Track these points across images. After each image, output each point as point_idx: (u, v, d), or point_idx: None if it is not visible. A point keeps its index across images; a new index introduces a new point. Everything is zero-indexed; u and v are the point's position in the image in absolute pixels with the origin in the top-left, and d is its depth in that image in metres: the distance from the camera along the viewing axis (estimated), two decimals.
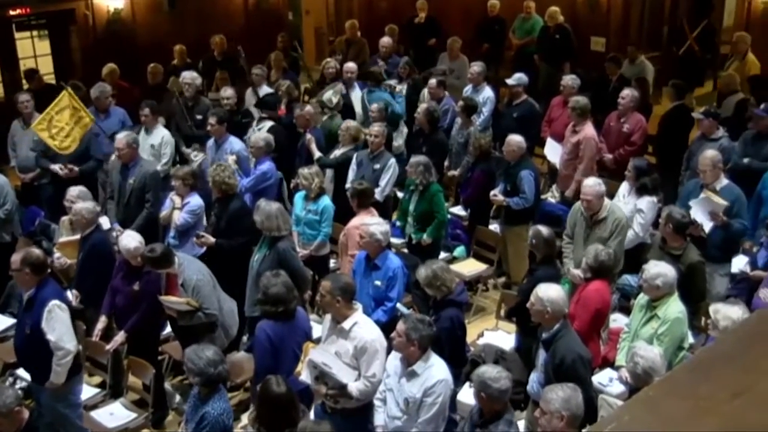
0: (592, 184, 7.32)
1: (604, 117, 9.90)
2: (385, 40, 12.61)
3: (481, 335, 7.42)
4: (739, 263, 7.71)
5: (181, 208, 7.99)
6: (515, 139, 8.51)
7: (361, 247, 7.00)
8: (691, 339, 6.33)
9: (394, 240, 7.98)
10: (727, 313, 5.55)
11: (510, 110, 10.58)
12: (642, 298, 6.31)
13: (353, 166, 8.88)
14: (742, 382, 1.60)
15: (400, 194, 9.04)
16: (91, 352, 6.98)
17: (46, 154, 9.23)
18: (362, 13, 16.09)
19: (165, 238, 8.12)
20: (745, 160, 8.48)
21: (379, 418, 5.58)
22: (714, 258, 7.32)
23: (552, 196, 9.98)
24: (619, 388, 6.15)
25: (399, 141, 10.37)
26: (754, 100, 9.85)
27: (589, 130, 9.18)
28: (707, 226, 7.35)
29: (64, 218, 8.05)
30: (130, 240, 6.83)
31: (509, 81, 10.64)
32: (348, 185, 8.53)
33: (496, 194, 8.61)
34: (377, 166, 8.74)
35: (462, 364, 6.32)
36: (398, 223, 8.59)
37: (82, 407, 6.54)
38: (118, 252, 7.10)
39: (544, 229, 6.86)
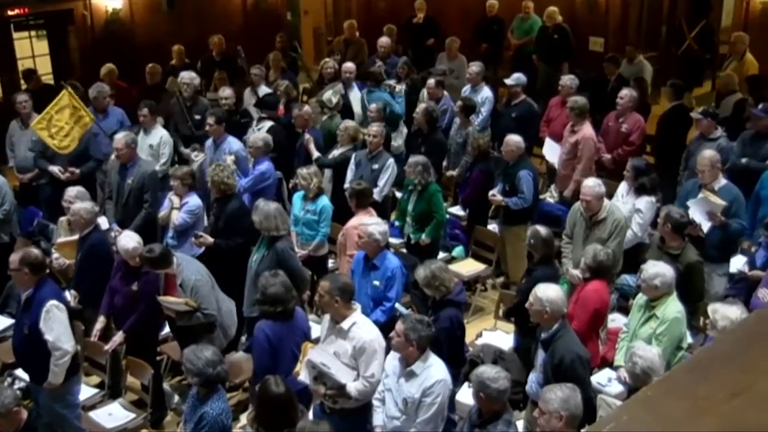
0: (592, 185, 7.32)
1: (603, 117, 9.90)
2: (384, 40, 12.61)
3: (479, 335, 7.42)
4: (738, 263, 7.72)
5: (179, 208, 7.98)
6: (514, 139, 8.51)
7: (360, 247, 7.00)
8: (689, 339, 6.33)
9: (392, 240, 7.98)
10: (725, 313, 5.55)
11: (508, 110, 10.58)
12: (640, 298, 6.31)
13: (352, 166, 8.88)
14: (740, 382, 1.60)
15: (398, 194, 9.04)
16: (90, 352, 6.98)
17: (44, 155, 9.22)
18: (361, 13, 16.10)
19: (164, 239, 8.12)
20: (744, 160, 8.48)
21: (378, 419, 5.58)
22: (712, 258, 7.32)
23: (550, 196, 9.97)
24: (617, 388, 6.15)
25: (399, 141, 10.36)
26: (752, 100, 9.85)
27: (587, 130, 9.19)
28: (705, 226, 7.36)
29: (63, 218, 8.04)
30: (128, 240, 6.83)
31: (508, 81, 10.65)
32: (346, 185, 8.53)
33: (495, 194, 8.61)
34: (376, 166, 8.74)
35: (461, 364, 6.31)
36: (397, 223, 8.59)
37: (81, 407, 6.54)
38: (116, 252, 7.10)
39: (542, 229, 6.86)
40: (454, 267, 8.30)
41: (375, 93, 10.70)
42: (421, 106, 9.86)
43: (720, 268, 7.51)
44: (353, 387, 5.52)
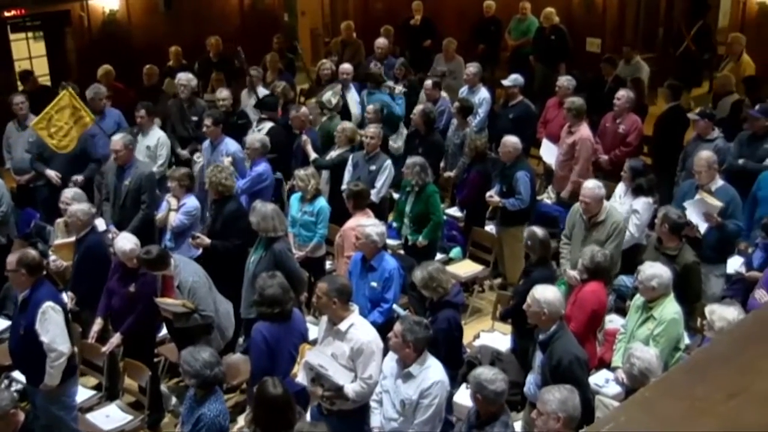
0: (592, 186, 7.32)
1: (600, 118, 9.91)
2: (381, 42, 12.61)
3: (477, 336, 7.42)
4: (735, 264, 7.72)
5: (177, 209, 7.98)
6: (511, 140, 8.52)
7: (357, 248, 7.00)
8: (687, 340, 6.34)
9: (390, 241, 7.98)
10: (722, 314, 5.55)
11: (506, 111, 10.59)
12: (638, 299, 6.31)
13: (349, 168, 8.88)
14: (737, 382, 1.60)
15: (395, 196, 9.04)
16: (87, 354, 6.97)
17: (41, 157, 9.21)
18: (358, 15, 16.10)
19: (162, 240, 8.11)
20: (741, 161, 8.49)
21: (376, 420, 5.58)
22: (709, 259, 7.33)
23: (548, 197, 9.99)
24: (615, 389, 6.16)
25: (399, 143, 10.35)
26: (749, 101, 9.87)
27: (584, 131, 9.20)
28: (702, 227, 7.36)
29: (60, 220, 8.03)
30: (125, 242, 6.82)
31: (505, 82, 10.66)
32: (344, 187, 8.53)
33: (492, 195, 8.62)
34: (373, 168, 8.74)
35: (458, 365, 6.32)
36: (394, 225, 8.59)
37: (78, 409, 6.53)
38: (113, 254, 7.09)
39: (539, 230, 6.87)
40: (451, 268, 8.30)
41: (375, 95, 10.71)
42: (418, 108, 9.87)
43: (717, 269, 7.52)
44: (351, 388, 5.52)
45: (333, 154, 9.20)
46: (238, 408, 6.99)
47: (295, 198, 8.23)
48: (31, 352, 6.05)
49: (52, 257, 7.72)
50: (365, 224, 6.97)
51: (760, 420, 1.51)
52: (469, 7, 14.72)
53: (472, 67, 11.05)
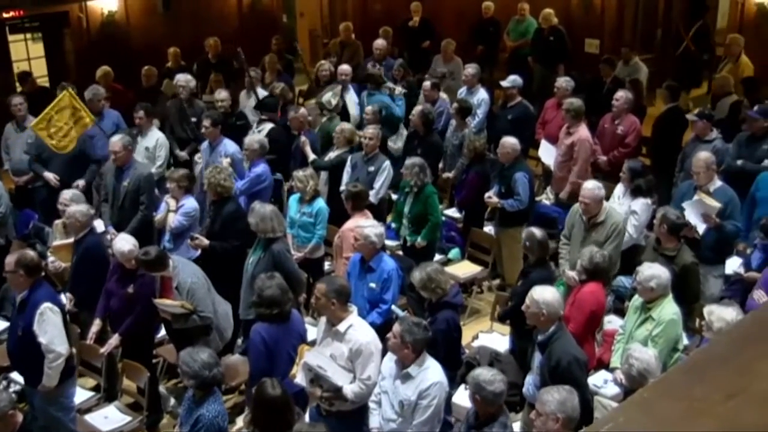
0: (592, 187, 7.31)
1: (598, 119, 9.92)
2: (380, 43, 12.61)
3: (475, 337, 7.43)
4: (733, 265, 7.73)
5: (175, 210, 7.98)
6: (509, 141, 8.52)
7: (356, 249, 7.00)
8: (685, 340, 6.35)
9: (388, 242, 7.98)
10: (721, 314, 5.56)
11: (504, 112, 10.60)
12: (636, 300, 6.32)
13: (348, 169, 8.87)
14: (736, 383, 1.60)
15: (394, 196, 9.04)
16: (86, 355, 6.96)
17: (39, 158, 9.20)
18: (356, 16, 16.10)
19: (161, 242, 8.11)
20: (739, 162, 8.50)
21: (374, 421, 5.58)
22: (707, 259, 7.33)
23: (546, 198, 9.99)
24: (613, 389, 6.16)
25: (399, 144, 10.34)
26: (747, 102, 9.89)
27: (583, 131, 9.20)
28: (700, 227, 7.37)
29: (58, 221, 8.02)
30: (123, 243, 6.82)
31: (503, 83, 10.66)
32: (342, 188, 8.53)
33: (491, 196, 8.62)
34: (372, 169, 8.74)
35: (457, 366, 6.32)
36: (393, 225, 8.59)
37: (76, 410, 6.52)
38: (112, 255, 7.09)
39: (537, 231, 6.87)
40: (450, 269, 8.31)
41: (375, 96, 10.71)
42: (417, 109, 9.87)
43: (715, 269, 7.53)
44: (349, 389, 5.51)
45: (332, 155, 9.20)
46: (236, 409, 6.99)
47: (293, 199, 8.23)
48: (29, 353, 6.04)
49: (51, 258, 7.71)
50: (364, 225, 6.97)
51: (758, 420, 1.51)
52: (468, 8, 14.72)
53: (471, 68, 11.05)
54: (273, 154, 9.10)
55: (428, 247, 8.24)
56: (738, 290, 7.20)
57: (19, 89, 11.38)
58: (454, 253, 9.11)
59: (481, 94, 10.87)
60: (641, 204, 7.79)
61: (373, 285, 6.74)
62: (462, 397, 5.94)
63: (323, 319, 5.84)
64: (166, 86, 11.51)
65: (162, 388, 7.20)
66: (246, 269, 7.07)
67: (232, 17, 14.65)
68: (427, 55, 13.37)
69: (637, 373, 5.23)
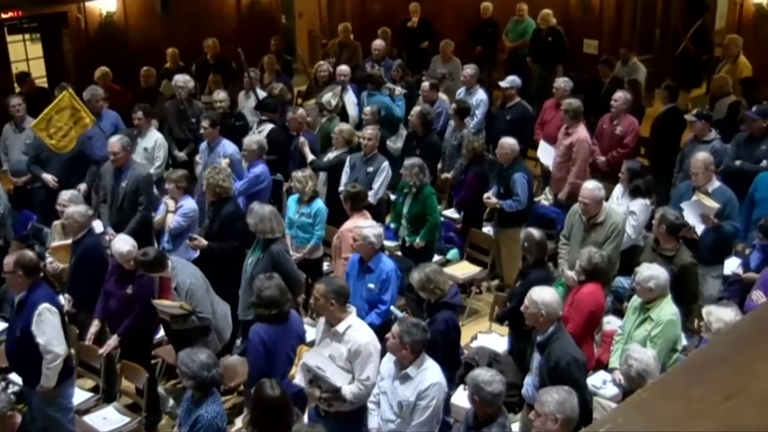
0: (592, 187, 7.30)
1: (597, 119, 9.92)
2: (378, 43, 12.61)
3: (474, 338, 7.42)
4: (732, 265, 7.73)
5: (174, 211, 7.97)
6: (508, 142, 8.52)
7: (355, 250, 7.00)
8: (684, 341, 6.35)
9: (387, 243, 7.98)
10: (719, 315, 5.56)
11: (503, 113, 10.60)
12: (635, 301, 6.32)
13: (346, 169, 8.87)
14: (735, 384, 1.60)
15: (393, 197, 9.04)
16: (84, 356, 6.95)
17: (38, 159, 9.19)
18: (355, 16, 16.09)
19: (160, 242, 8.10)
20: (737, 163, 8.50)
21: (373, 421, 5.58)
22: (706, 260, 7.33)
23: (545, 199, 9.99)
24: (612, 390, 6.17)
25: (399, 144, 10.34)
26: (746, 102, 9.90)
27: (581, 132, 9.20)
28: (699, 228, 7.37)
29: (57, 222, 8.01)
30: (122, 244, 6.81)
31: (502, 83, 10.66)
32: (341, 188, 8.53)
33: (490, 197, 8.61)
34: (370, 169, 8.74)
35: (456, 366, 6.32)
36: (392, 226, 8.59)
37: (75, 411, 6.52)
38: (110, 256, 7.09)
39: (535, 232, 6.87)
40: (448, 270, 8.31)
41: (375, 96, 10.72)
42: (415, 109, 9.88)
43: (714, 270, 7.53)
44: (348, 390, 5.51)
45: (330, 155, 9.20)
46: (235, 410, 6.99)
47: (292, 200, 8.23)
48: (27, 354, 6.04)
49: (49, 259, 7.70)
50: (363, 226, 6.97)
51: (757, 421, 1.51)
52: (467, 8, 14.73)
53: (470, 69, 11.05)
54: (273, 154, 9.10)
55: (427, 248, 8.24)
56: (736, 291, 7.20)
57: (17, 90, 11.38)
58: (453, 253, 9.11)
59: (480, 95, 10.87)
60: (640, 204, 7.79)
61: (371, 285, 6.74)
62: (461, 398, 5.93)
63: (322, 320, 5.84)
64: (165, 87, 11.50)
65: (161, 389, 7.19)
66: (245, 270, 7.06)
67: (230, 18, 14.65)
68: (425, 56, 13.37)
69: (635, 374, 5.23)
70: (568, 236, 7.57)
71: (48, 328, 5.99)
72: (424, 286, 6.20)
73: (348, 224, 7.54)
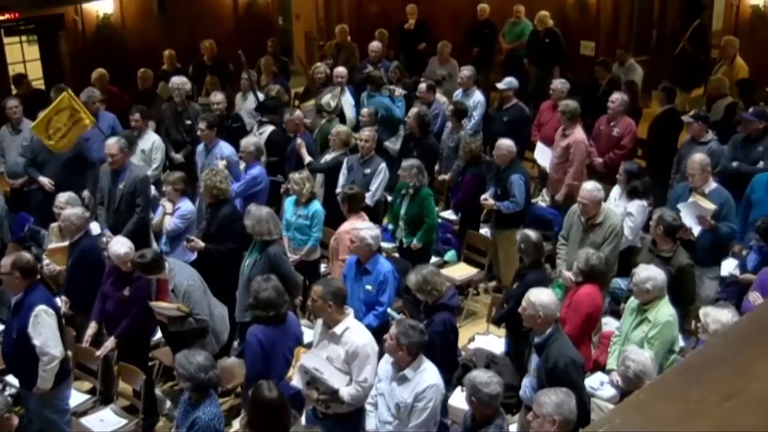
0: (591, 188, 7.30)
1: (594, 121, 9.93)
2: (375, 45, 12.62)
3: (472, 339, 7.42)
4: (729, 266, 7.74)
5: (172, 213, 7.97)
6: (505, 143, 8.52)
7: (352, 251, 7.00)
8: (681, 342, 6.35)
9: (384, 244, 7.98)
10: (716, 316, 5.56)
11: (500, 114, 10.60)
12: (632, 302, 6.32)
13: (344, 171, 8.87)
14: (732, 385, 1.60)
15: (390, 198, 9.04)
16: (81, 358, 6.94)
17: (35, 162, 9.17)
18: (352, 18, 16.10)
19: (158, 244, 8.09)
20: (734, 164, 8.52)
21: (371, 423, 5.57)
22: (703, 261, 7.34)
23: (542, 200, 10.00)
24: (610, 391, 6.17)
25: (398, 145, 10.34)
26: (742, 103, 9.91)
27: (578, 133, 9.20)
28: (696, 229, 7.38)
29: (54, 224, 8.01)
30: (119, 246, 6.81)
31: (499, 85, 10.66)
32: (338, 190, 8.52)
33: (487, 198, 8.61)
34: (368, 171, 8.74)
35: (453, 368, 6.31)
36: (389, 227, 8.58)
37: (72, 413, 6.51)
38: (107, 258, 7.08)
39: (532, 234, 6.87)
40: (446, 271, 8.30)
41: (375, 97, 10.72)
42: (412, 111, 9.88)
43: (711, 271, 7.54)
44: (346, 392, 5.51)
45: (327, 157, 9.20)
46: (233, 411, 6.98)
47: (289, 201, 8.22)
48: (23, 356, 6.03)
49: (46, 261, 7.69)
50: (360, 227, 6.97)
51: (754, 422, 1.51)
52: (464, 10, 14.74)
53: (467, 71, 11.06)
54: (273, 156, 9.09)
55: (424, 249, 8.24)
56: (733, 292, 7.21)
57: (14, 92, 11.37)
58: (450, 255, 9.11)
59: (477, 96, 10.87)
60: (637, 206, 7.79)
61: (369, 287, 6.74)
62: (458, 400, 5.93)
63: (319, 322, 5.84)
64: (162, 89, 11.50)
65: (158, 391, 7.18)
66: (242, 272, 7.06)
67: (227, 20, 14.65)
68: (422, 58, 13.37)
69: (633, 375, 5.23)
70: (566, 237, 7.57)
71: (44, 329, 5.98)
72: (421, 288, 6.20)
73: (345, 226, 7.54)
